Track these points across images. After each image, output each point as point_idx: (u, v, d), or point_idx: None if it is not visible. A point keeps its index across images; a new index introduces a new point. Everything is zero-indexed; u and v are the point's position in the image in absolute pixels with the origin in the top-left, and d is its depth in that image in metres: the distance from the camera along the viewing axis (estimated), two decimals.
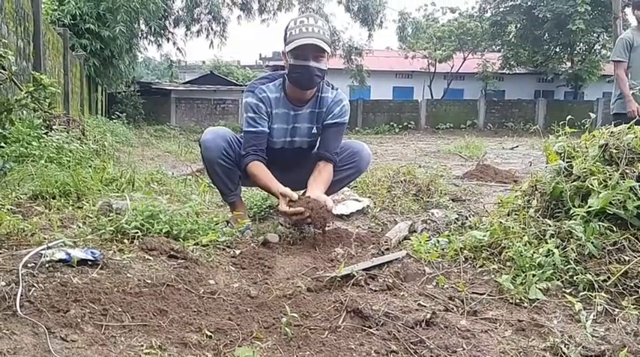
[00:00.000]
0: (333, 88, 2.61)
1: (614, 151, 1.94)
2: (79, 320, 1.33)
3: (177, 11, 20.77)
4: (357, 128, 22.35)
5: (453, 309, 1.61)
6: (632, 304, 1.55)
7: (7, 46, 4.40)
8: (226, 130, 2.65)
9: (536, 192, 2.14)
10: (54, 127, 4.64)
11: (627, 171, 1.86)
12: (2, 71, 3.80)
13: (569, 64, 24.46)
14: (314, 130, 2.63)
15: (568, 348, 1.34)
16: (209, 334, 1.37)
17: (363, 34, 25.49)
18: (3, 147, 3.59)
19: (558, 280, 1.71)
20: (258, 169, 2.48)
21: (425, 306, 1.61)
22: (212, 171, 2.61)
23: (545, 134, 3.16)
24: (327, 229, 2.70)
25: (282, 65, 2.59)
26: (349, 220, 3.02)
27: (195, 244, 2.05)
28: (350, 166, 2.68)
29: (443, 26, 26.09)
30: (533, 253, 1.79)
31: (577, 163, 2.00)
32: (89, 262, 1.67)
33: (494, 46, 26.36)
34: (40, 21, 5.95)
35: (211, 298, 1.63)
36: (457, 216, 2.75)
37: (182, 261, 1.87)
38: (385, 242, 2.26)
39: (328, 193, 2.88)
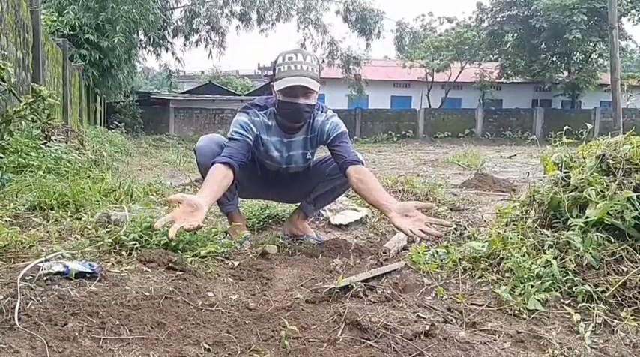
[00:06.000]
0: (323, 111, 2.59)
1: (611, 161, 1.94)
2: (76, 334, 1.33)
3: (176, 22, 20.92)
4: (355, 137, 22.41)
5: (451, 320, 1.60)
6: (631, 315, 1.55)
7: (7, 57, 4.42)
8: (220, 137, 2.66)
9: (534, 202, 2.15)
10: (52, 137, 4.65)
11: (624, 182, 1.86)
12: (2, 83, 3.82)
13: (566, 73, 24.61)
14: (308, 156, 2.64)
15: None
16: (207, 347, 1.37)
17: (361, 44, 25.67)
18: (1, 158, 3.59)
19: (557, 291, 1.70)
20: (213, 171, 2.30)
21: (424, 317, 1.61)
22: None
23: (542, 143, 3.17)
24: (326, 239, 2.71)
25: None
26: (348, 230, 3.02)
27: (193, 256, 2.04)
28: (343, 175, 2.68)
29: (440, 36, 26.29)
30: (532, 263, 1.79)
31: (574, 174, 2.01)
32: (87, 275, 1.67)
33: (491, 56, 26.53)
34: (40, 32, 5.98)
35: (210, 311, 1.62)
36: (455, 226, 2.76)
37: (180, 273, 1.87)
38: (384, 252, 2.25)
39: (323, 204, 2.89)
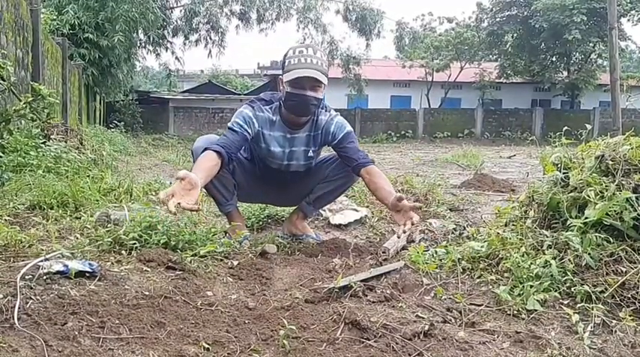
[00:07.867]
0: (327, 110, 2.61)
1: (611, 162, 1.95)
2: (76, 333, 1.33)
3: (176, 21, 20.88)
4: None
5: (450, 320, 1.61)
6: (630, 316, 1.55)
7: (6, 56, 4.42)
8: (217, 137, 2.67)
9: (534, 203, 2.15)
10: (52, 136, 4.64)
11: (623, 182, 1.87)
12: (1, 82, 3.81)
13: (565, 73, 24.59)
14: (310, 153, 2.64)
15: None
16: (207, 346, 1.37)
17: (361, 44, 25.67)
18: (1, 157, 3.59)
19: (556, 291, 1.71)
20: (204, 156, 2.30)
21: (423, 317, 1.61)
22: None
23: (542, 143, 3.18)
24: (326, 239, 2.72)
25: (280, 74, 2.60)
26: (347, 230, 3.03)
27: (193, 255, 2.05)
28: (342, 176, 2.69)
29: (440, 36, 26.27)
30: (531, 264, 1.80)
31: (574, 174, 2.01)
32: (87, 274, 1.67)
33: (491, 56, 26.51)
34: (39, 31, 5.98)
35: (209, 310, 1.62)
36: (455, 226, 2.76)
37: (180, 272, 1.87)
38: (383, 252, 2.26)
39: (322, 205, 2.90)
